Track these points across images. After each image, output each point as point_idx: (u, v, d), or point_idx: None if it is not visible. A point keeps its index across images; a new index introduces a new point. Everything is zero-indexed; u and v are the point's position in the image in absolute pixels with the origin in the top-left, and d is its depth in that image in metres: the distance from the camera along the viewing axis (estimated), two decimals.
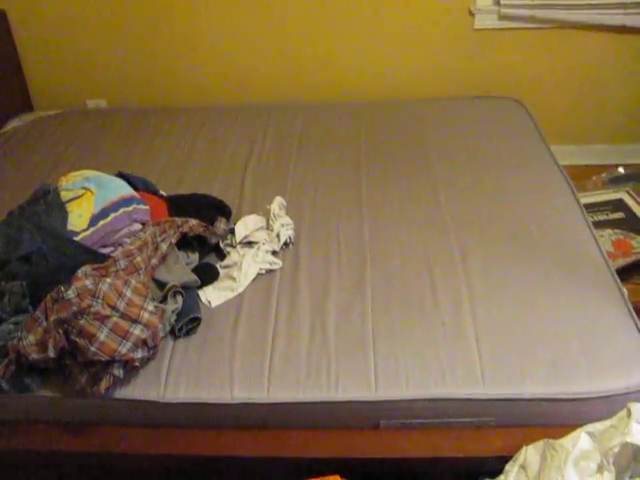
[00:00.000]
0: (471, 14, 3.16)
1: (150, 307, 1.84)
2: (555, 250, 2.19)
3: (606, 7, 3.12)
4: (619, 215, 2.85)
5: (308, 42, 3.31)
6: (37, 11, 3.30)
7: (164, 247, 2.07)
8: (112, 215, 2.16)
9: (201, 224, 2.19)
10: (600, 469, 1.46)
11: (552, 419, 1.80)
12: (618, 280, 2.08)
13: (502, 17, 3.16)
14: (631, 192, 2.96)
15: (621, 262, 2.57)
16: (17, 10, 3.30)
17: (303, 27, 3.26)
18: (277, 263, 2.17)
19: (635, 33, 3.20)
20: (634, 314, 1.96)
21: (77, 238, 2.11)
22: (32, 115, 3.35)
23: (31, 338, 1.80)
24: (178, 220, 2.18)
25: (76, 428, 1.89)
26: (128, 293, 1.84)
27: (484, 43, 3.25)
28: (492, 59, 3.29)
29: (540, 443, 1.61)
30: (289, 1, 3.19)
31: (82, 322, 1.74)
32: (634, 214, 2.84)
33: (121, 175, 2.40)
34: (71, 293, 1.80)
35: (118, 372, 1.77)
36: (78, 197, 2.21)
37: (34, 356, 1.78)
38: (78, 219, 2.15)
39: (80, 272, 1.89)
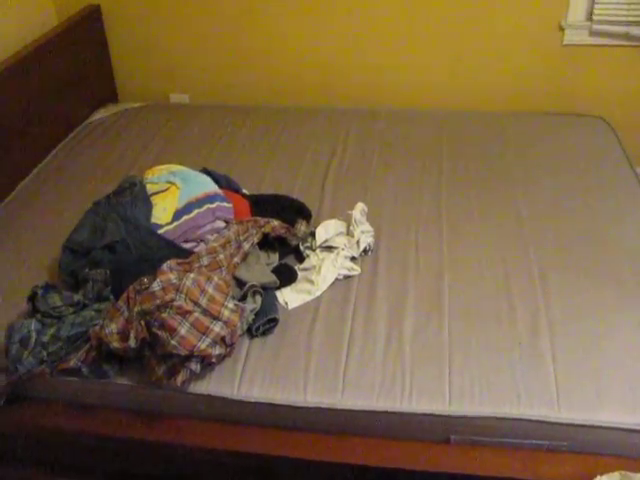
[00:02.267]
0: (561, 29, 3.11)
1: (231, 305, 1.86)
2: (637, 274, 2.14)
3: None
4: None
5: (392, 49, 3.29)
6: (128, 6, 3.39)
7: (246, 246, 2.10)
8: (196, 211, 2.19)
9: (283, 225, 2.21)
10: None
11: (628, 450, 1.75)
12: None
13: (593, 33, 3.10)
14: None
15: None
16: (110, 4, 3.40)
17: (387, 33, 3.26)
18: (356, 269, 2.18)
19: None
20: None
21: (160, 231, 2.15)
22: (117, 107, 3.43)
23: (113, 327, 1.85)
24: (261, 220, 2.20)
25: (148, 417, 1.93)
26: (210, 290, 1.87)
27: (572, 59, 3.19)
28: (579, 76, 3.23)
29: (616, 474, 1.58)
30: (373, 5, 3.19)
31: (164, 315, 1.77)
32: None
33: (205, 171, 2.44)
34: (156, 286, 1.83)
35: (195, 367, 1.80)
36: (163, 191, 2.26)
37: (115, 345, 1.83)
38: (162, 213, 2.19)
39: (165, 266, 1.92)
